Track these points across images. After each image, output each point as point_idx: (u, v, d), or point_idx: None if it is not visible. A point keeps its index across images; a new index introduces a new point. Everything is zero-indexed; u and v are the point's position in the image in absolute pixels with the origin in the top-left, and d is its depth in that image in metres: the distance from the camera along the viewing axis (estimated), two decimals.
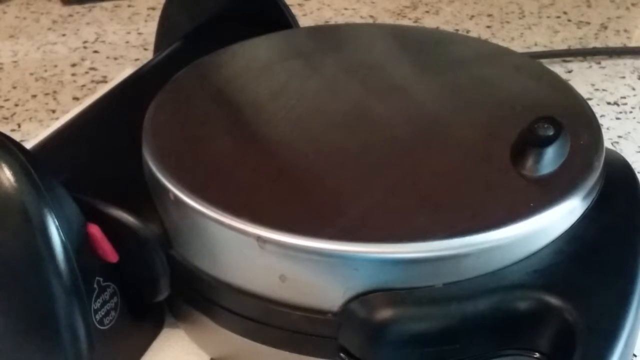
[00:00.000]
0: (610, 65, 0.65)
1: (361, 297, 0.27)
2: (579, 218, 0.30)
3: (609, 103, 0.59)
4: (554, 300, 0.27)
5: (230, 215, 0.28)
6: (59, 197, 0.28)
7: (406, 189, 0.30)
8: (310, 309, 0.28)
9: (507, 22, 0.74)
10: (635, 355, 0.37)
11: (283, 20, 0.47)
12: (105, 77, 0.63)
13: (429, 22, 0.74)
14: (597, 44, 0.69)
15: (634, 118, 0.57)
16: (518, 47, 0.68)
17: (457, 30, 0.72)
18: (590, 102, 0.37)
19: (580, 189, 0.29)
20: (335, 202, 0.29)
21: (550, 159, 0.30)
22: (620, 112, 0.58)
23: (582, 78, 0.63)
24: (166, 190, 0.30)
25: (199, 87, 0.37)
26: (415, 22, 0.74)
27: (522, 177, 0.29)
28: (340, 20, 0.74)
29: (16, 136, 0.53)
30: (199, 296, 0.31)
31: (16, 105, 0.59)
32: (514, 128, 0.31)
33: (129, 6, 0.77)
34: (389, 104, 0.35)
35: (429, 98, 0.36)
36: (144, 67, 0.45)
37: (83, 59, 0.66)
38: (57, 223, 0.28)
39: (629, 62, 0.65)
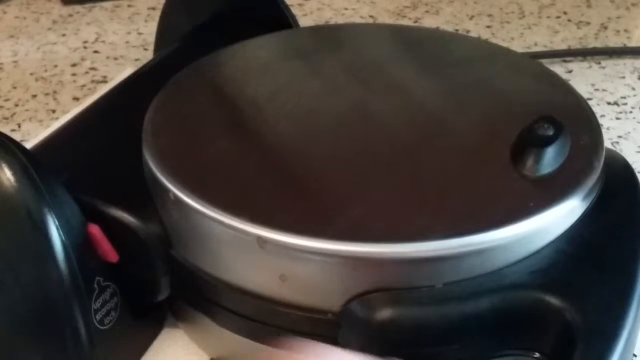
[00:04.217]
0: (610, 65, 0.65)
1: (361, 297, 0.27)
2: (579, 218, 0.30)
3: (609, 103, 0.59)
4: (554, 300, 0.27)
5: (230, 215, 0.28)
6: (59, 197, 0.28)
7: (406, 188, 0.30)
8: (310, 309, 0.28)
9: (507, 22, 0.74)
10: (635, 355, 0.37)
11: (283, 20, 0.47)
12: (105, 77, 0.63)
13: (429, 22, 0.74)
14: (597, 44, 0.69)
15: (634, 118, 0.57)
16: (518, 47, 0.68)
17: (457, 30, 0.72)
18: (590, 102, 0.37)
19: (580, 189, 0.29)
20: (335, 202, 0.29)
21: (550, 159, 0.30)
22: (620, 112, 0.58)
23: (582, 78, 0.63)
24: (166, 190, 0.30)
25: (199, 87, 0.37)
26: (415, 22, 0.74)
27: (522, 177, 0.29)
28: (340, 20, 0.74)
29: (16, 136, 0.53)
30: (199, 296, 0.31)
31: (16, 105, 0.59)
32: (514, 128, 0.31)
33: (129, 6, 0.77)
34: (389, 104, 0.35)
35: (429, 98, 0.36)
36: (144, 67, 0.45)
37: (83, 59, 0.66)
38: (57, 223, 0.28)
39: (629, 62, 0.65)
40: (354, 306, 0.27)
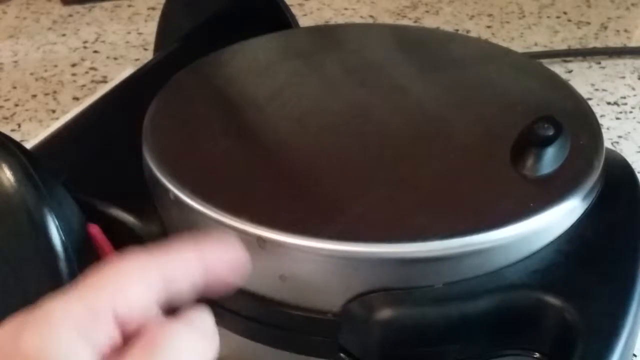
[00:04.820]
0: (610, 65, 0.65)
1: (361, 297, 0.27)
2: (579, 218, 0.30)
3: (609, 103, 0.59)
4: (553, 300, 0.27)
5: (230, 215, 0.28)
6: (59, 197, 0.28)
7: (406, 189, 0.30)
8: (310, 309, 0.28)
9: (507, 22, 0.74)
10: (635, 355, 0.37)
11: (283, 20, 0.47)
12: (105, 77, 0.63)
13: (429, 22, 0.74)
14: (597, 44, 0.69)
15: (634, 118, 0.57)
16: (518, 47, 0.68)
17: (457, 30, 0.72)
18: (590, 102, 0.37)
19: (580, 189, 0.29)
20: (335, 202, 0.29)
21: (550, 159, 0.30)
22: (620, 112, 0.58)
23: (582, 78, 0.63)
24: (166, 190, 0.30)
25: (199, 87, 0.37)
26: (415, 22, 0.74)
27: (522, 177, 0.29)
28: (340, 20, 0.74)
29: (16, 136, 0.53)
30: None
31: (16, 105, 0.59)
32: (514, 128, 0.31)
33: (129, 6, 0.77)
34: (389, 104, 0.35)
35: (429, 98, 0.36)
36: (144, 67, 0.45)
37: (83, 59, 0.66)
38: (57, 223, 0.28)
39: (629, 62, 0.65)
40: (354, 306, 0.27)
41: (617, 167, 0.33)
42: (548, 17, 0.75)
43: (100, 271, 0.22)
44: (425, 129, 0.33)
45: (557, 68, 0.64)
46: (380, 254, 0.27)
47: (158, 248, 0.23)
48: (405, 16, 0.75)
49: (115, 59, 0.66)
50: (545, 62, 0.63)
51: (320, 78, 0.37)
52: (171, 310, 0.24)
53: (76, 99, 0.60)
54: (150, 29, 0.70)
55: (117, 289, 0.22)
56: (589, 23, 0.73)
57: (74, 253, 0.28)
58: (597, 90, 0.61)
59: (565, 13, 0.75)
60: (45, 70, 0.64)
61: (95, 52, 0.67)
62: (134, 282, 0.22)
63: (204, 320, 0.25)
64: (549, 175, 0.30)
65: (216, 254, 0.24)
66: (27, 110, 0.58)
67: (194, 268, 0.23)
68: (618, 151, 0.45)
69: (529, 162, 0.30)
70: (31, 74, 0.64)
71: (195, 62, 0.39)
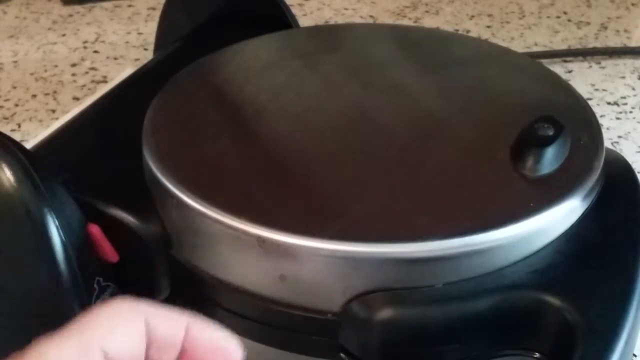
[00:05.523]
0: (610, 65, 0.65)
1: (361, 297, 0.27)
2: (579, 218, 0.30)
3: (609, 103, 0.59)
4: (553, 300, 0.27)
5: (230, 215, 0.28)
6: (59, 197, 0.28)
7: (406, 189, 0.30)
8: (310, 309, 0.28)
9: (507, 22, 0.74)
10: (635, 355, 0.37)
11: (283, 20, 0.47)
12: (105, 77, 0.63)
13: (429, 22, 0.74)
14: (597, 44, 0.69)
15: (634, 118, 0.57)
16: (518, 47, 0.68)
17: (457, 30, 0.72)
18: (590, 102, 0.37)
19: (580, 189, 0.29)
20: (335, 202, 0.29)
21: (550, 159, 0.30)
22: (620, 112, 0.58)
23: (582, 78, 0.63)
24: (166, 190, 0.30)
25: (199, 87, 0.37)
26: (415, 22, 0.74)
27: (522, 177, 0.30)
28: (340, 20, 0.74)
29: (16, 136, 0.53)
30: (199, 296, 0.31)
31: (16, 105, 0.59)
32: (514, 128, 0.31)
33: (129, 6, 0.77)
34: (389, 104, 0.35)
35: (429, 98, 0.36)
36: (144, 67, 0.45)
37: (83, 59, 0.66)
38: (57, 223, 0.28)
39: (629, 62, 0.66)
40: (354, 306, 0.27)
41: (617, 167, 0.33)
42: (548, 17, 0.75)
43: (93, 312, 0.22)
44: (426, 129, 0.33)
45: (557, 68, 0.64)
46: (380, 254, 0.27)
47: (150, 302, 0.23)
48: (405, 16, 0.75)
49: (115, 59, 0.66)
50: (545, 62, 0.63)
51: (320, 78, 0.37)
52: None
53: (76, 99, 0.60)
54: (150, 29, 0.70)
55: (108, 331, 0.22)
56: (589, 23, 0.73)
57: (74, 253, 0.28)
58: (597, 90, 0.61)
59: (565, 13, 0.75)
60: (45, 70, 0.64)
61: (95, 52, 0.68)
62: (123, 325, 0.22)
63: None
64: (549, 175, 0.30)
65: (205, 335, 0.24)
66: (27, 110, 0.58)
67: (177, 333, 0.23)
68: (618, 151, 0.45)
69: (529, 162, 0.30)
70: (31, 74, 0.64)
71: (195, 62, 0.39)
